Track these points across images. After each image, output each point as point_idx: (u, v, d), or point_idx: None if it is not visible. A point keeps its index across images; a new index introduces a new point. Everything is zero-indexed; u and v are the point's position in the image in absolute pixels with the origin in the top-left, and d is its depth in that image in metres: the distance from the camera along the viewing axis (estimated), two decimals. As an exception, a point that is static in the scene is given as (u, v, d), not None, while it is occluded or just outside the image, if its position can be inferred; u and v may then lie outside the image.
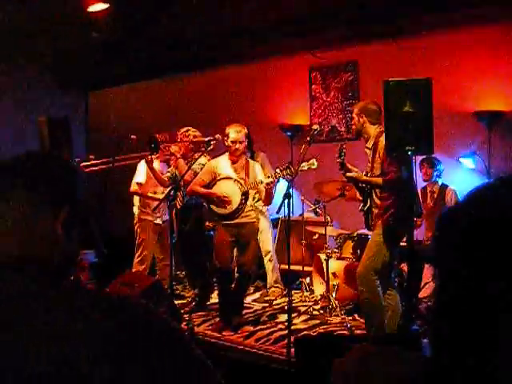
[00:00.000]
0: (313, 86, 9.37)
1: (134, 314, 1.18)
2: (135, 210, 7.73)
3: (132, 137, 7.18)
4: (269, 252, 7.86)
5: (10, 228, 1.23)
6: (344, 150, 5.49)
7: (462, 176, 7.60)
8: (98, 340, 1.07)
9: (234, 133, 6.32)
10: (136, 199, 7.72)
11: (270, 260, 7.87)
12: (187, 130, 7.18)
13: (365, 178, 5.53)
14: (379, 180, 5.35)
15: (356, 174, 5.56)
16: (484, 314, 0.78)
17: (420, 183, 7.26)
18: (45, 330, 1.08)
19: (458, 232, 0.84)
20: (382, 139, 5.33)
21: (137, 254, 7.50)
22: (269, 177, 6.28)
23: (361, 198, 5.64)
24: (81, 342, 1.06)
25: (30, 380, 1.03)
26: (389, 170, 5.26)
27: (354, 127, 5.77)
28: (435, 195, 7.28)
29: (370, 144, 5.53)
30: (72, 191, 1.36)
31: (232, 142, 6.32)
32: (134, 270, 7.35)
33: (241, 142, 6.35)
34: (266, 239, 7.87)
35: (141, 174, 7.45)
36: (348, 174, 5.52)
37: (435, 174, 7.26)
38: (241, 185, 6.37)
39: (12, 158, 1.34)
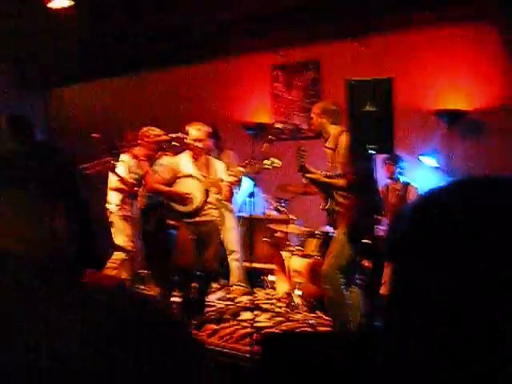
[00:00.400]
0: (275, 85, 9.39)
1: (132, 307, 1.16)
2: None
3: (94, 136, 7.12)
4: (233, 251, 7.87)
5: (7, 224, 1.21)
6: (303, 153, 5.52)
7: (422, 174, 7.70)
8: (90, 334, 1.06)
9: (195, 131, 6.33)
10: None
11: (234, 259, 7.86)
12: (148, 130, 7.11)
13: (324, 179, 5.58)
14: (339, 181, 5.40)
15: (316, 175, 5.60)
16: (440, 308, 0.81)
17: (383, 180, 7.35)
18: (38, 324, 1.07)
19: (422, 226, 0.86)
20: (342, 138, 5.38)
21: None
22: (230, 175, 6.30)
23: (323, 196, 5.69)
24: (72, 337, 1.06)
25: (29, 374, 1.02)
26: (348, 170, 5.32)
27: (313, 127, 5.80)
28: (398, 192, 7.37)
29: (330, 144, 5.57)
30: (70, 186, 1.33)
31: (193, 140, 6.32)
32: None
33: (201, 141, 6.34)
34: (232, 237, 7.87)
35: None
36: (308, 175, 5.55)
37: (398, 171, 7.35)
38: (202, 183, 6.37)
39: (8, 151, 1.31)
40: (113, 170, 6.99)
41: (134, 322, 1.11)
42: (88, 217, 1.32)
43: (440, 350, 0.80)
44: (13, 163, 1.27)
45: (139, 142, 7.09)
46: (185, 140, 6.43)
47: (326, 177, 5.57)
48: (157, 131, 7.10)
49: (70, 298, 1.12)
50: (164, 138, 6.90)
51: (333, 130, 5.58)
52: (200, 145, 6.35)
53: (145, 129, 7.12)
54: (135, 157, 7.04)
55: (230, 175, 6.37)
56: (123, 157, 7.07)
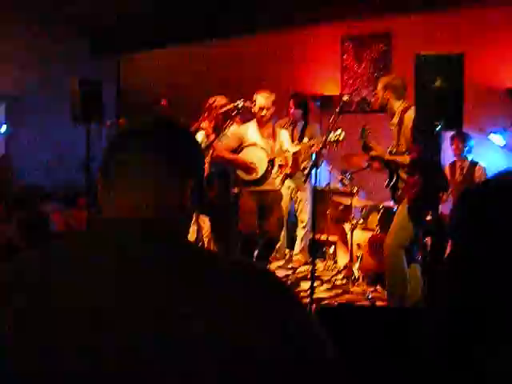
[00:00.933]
0: (344, 56, 9.31)
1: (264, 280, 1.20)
2: None
3: (162, 102, 7.20)
4: (303, 221, 7.92)
5: (147, 190, 1.26)
6: (366, 132, 5.48)
7: (490, 153, 7.55)
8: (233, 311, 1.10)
9: (262, 99, 6.34)
10: None
11: (303, 227, 7.92)
12: (214, 101, 7.12)
13: (388, 156, 5.54)
14: (404, 158, 5.37)
15: (380, 152, 5.56)
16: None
17: (450, 157, 7.25)
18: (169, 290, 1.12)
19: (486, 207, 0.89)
20: (408, 115, 5.33)
21: None
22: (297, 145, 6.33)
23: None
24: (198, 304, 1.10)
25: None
26: (414, 147, 5.27)
27: (378, 101, 5.75)
28: (464, 171, 7.26)
29: (395, 120, 5.52)
30: (199, 164, 1.39)
31: (260, 108, 6.34)
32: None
33: (268, 109, 6.37)
34: (304, 209, 7.92)
35: None
36: (372, 153, 5.52)
37: (466, 149, 7.22)
38: (268, 152, 6.41)
39: (141, 123, 1.36)
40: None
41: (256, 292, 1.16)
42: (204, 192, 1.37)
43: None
44: (149, 136, 1.32)
45: (206, 113, 7.12)
46: (252, 108, 6.45)
47: (390, 154, 5.54)
48: (223, 101, 7.11)
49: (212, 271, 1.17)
50: (230, 106, 6.91)
51: (398, 105, 5.53)
52: (267, 113, 6.38)
53: (211, 100, 7.13)
54: (202, 129, 7.06)
55: (296, 146, 6.42)
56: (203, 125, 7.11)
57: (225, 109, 6.97)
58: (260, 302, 1.13)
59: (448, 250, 6.40)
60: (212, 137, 6.74)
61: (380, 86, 5.67)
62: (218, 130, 6.95)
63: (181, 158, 1.31)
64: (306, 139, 6.73)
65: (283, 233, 7.94)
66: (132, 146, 1.29)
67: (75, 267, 1.17)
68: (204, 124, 7.03)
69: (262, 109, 6.34)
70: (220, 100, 7.07)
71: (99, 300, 1.12)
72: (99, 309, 1.10)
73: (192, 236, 7.48)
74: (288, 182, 7.65)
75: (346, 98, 5.85)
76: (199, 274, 1.14)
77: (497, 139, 7.50)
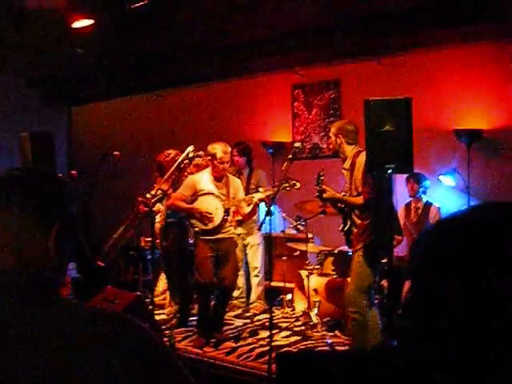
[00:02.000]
0: (295, 104, 9.43)
1: (132, 336, 1.20)
2: None
3: (115, 153, 7.18)
4: (256, 268, 7.90)
5: (4, 243, 1.25)
6: (322, 178, 5.52)
7: (441, 194, 7.67)
8: (97, 364, 1.09)
9: (223, 153, 6.35)
10: None
11: (256, 275, 7.90)
12: (165, 154, 7.18)
13: (342, 197, 5.59)
14: (356, 200, 5.41)
15: (333, 193, 5.59)
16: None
17: (405, 198, 7.34)
18: (31, 342, 1.10)
19: (445, 245, 0.90)
20: (359, 160, 5.40)
21: None
22: (255, 192, 6.36)
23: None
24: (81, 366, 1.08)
25: None
26: (364, 190, 5.33)
27: (330, 147, 5.81)
28: (419, 211, 7.35)
29: (347, 165, 5.57)
30: (64, 207, 1.37)
31: (220, 162, 6.36)
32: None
33: (227, 162, 6.41)
34: (255, 254, 7.92)
35: None
36: (325, 195, 5.54)
37: (421, 190, 7.32)
38: (223, 201, 6.41)
39: (2, 174, 1.35)
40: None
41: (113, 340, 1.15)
42: (80, 237, 1.35)
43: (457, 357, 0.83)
44: (7, 185, 1.31)
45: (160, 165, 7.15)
46: (205, 159, 6.48)
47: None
48: (172, 154, 7.14)
49: (53, 317, 1.16)
50: (182, 157, 6.93)
51: (350, 150, 5.59)
52: (227, 166, 6.43)
53: (163, 155, 7.18)
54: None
55: (248, 196, 6.47)
56: None
57: (178, 161, 6.98)
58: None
59: (404, 292, 6.44)
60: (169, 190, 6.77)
61: (332, 131, 5.72)
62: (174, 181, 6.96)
63: (40, 204, 1.30)
64: (261, 189, 6.77)
65: (242, 280, 7.93)
66: None
67: None
68: (164, 186, 6.99)
69: (222, 163, 6.36)
70: (170, 154, 7.12)
71: None
72: None
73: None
74: (238, 229, 7.67)
75: (297, 144, 5.89)
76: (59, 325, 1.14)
77: (447, 180, 7.62)
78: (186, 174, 6.99)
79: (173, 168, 6.57)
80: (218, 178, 6.48)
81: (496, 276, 0.82)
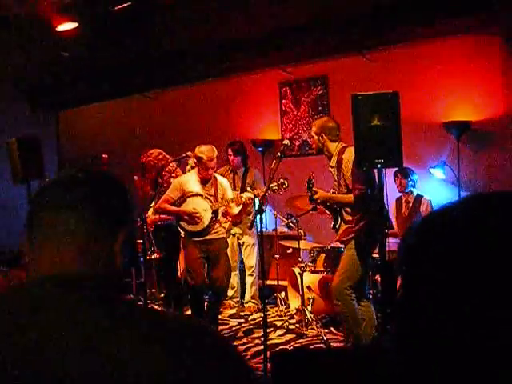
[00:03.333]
0: (283, 101, 9.42)
1: (202, 340, 1.16)
2: None
3: (103, 156, 7.15)
4: (251, 267, 7.90)
5: (72, 244, 1.23)
6: (312, 182, 5.51)
7: (432, 186, 7.69)
8: (165, 367, 1.07)
9: (208, 159, 6.32)
10: None
11: (250, 275, 7.90)
12: (148, 154, 7.17)
13: (332, 195, 5.59)
14: (348, 197, 5.40)
15: (323, 195, 5.57)
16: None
17: (395, 193, 7.34)
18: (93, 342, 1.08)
19: (436, 241, 0.89)
20: (346, 156, 5.40)
21: None
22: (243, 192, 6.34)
23: (331, 215, 5.69)
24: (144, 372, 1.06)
25: None
26: (354, 186, 5.33)
27: (314, 146, 5.80)
28: (410, 205, 7.36)
29: (333, 162, 5.56)
30: (130, 212, 1.36)
31: (204, 168, 6.34)
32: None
33: (212, 168, 6.40)
34: (250, 254, 7.92)
35: None
36: (316, 197, 5.52)
37: (410, 184, 7.33)
38: (211, 202, 6.39)
39: (72, 175, 1.34)
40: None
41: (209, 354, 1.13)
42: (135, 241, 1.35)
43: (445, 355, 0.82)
44: (72, 189, 1.29)
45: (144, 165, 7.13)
46: (192, 160, 6.47)
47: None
48: (154, 153, 7.13)
49: (143, 329, 1.13)
50: (169, 160, 6.95)
51: (334, 147, 5.58)
52: (213, 170, 6.44)
53: (145, 155, 7.17)
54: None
55: (237, 197, 6.47)
56: None
57: (161, 162, 6.97)
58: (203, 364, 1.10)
59: (398, 287, 6.44)
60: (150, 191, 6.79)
61: (314, 130, 5.70)
62: (156, 183, 6.96)
63: (109, 208, 1.29)
64: (249, 189, 6.76)
65: (237, 279, 7.93)
66: (52, 202, 1.27)
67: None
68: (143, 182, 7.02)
69: (209, 166, 6.34)
70: (153, 153, 7.11)
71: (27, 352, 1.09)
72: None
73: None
74: (233, 229, 7.69)
75: (286, 142, 5.87)
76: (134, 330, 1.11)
77: (437, 173, 7.63)
78: (174, 175, 6.97)
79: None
80: (204, 180, 6.45)
81: (483, 273, 0.81)
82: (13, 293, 1.24)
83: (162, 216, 6.87)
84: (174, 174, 7.03)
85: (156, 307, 8.08)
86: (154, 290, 8.30)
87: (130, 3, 6.82)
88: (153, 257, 6.87)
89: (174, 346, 1.10)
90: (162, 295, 7.84)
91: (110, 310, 1.15)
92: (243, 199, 6.49)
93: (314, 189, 5.49)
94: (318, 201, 5.56)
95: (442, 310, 0.83)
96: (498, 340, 0.79)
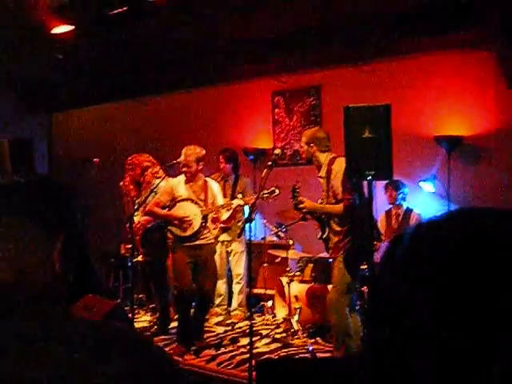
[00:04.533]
0: (276, 110, 9.43)
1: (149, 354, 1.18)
2: None
3: (95, 160, 7.15)
4: (238, 275, 7.88)
5: (6, 254, 1.20)
6: (297, 190, 5.52)
7: (422, 200, 7.70)
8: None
9: (183, 155, 6.33)
10: None
11: (237, 282, 7.88)
12: (133, 157, 7.24)
13: (319, 206, 5.60)
14: (337, 207, 5.42)
15: (310, 206, 5.58)
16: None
17: (385, 205, 7.36)
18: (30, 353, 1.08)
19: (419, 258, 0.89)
20: (335, 166, 5.42)
21: None
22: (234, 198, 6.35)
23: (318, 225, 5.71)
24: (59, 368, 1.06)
25: None
26: (345, 197, 5.34)
27: (303, 156, 5.82)
28: (400, 218, 7.37)
29: (322, 173, 5.58)
30: (69, 218, 1.32)
31: (182, 165, 6.34)
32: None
33: (189, 167, 6.35)
34: (238, 262, 7.90)
35: None
36: (302, 206, 5.54)
37: (400, 196, 7.34)
38: (201, 207, 6.37)
39: (8, 182, 1.31)
40: None
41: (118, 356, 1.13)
42: (85, 246, 1.31)
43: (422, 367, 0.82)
44: (12, 194, 1.26)
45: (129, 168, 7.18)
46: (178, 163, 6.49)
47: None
48: (144, 156, 7.18)
49: (61, 331, 1.14)
50: (155, 164, 6.99)
51: (323, 157, 5.60)
52: (188, 170, 6.39)
53: (137, 154, 7.21)
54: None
55: (227, 202, 6.48)
56: None
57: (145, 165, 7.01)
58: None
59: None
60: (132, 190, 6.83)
61: (304, 140, 5.73)
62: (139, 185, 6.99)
63: (44, 213, 1.26)
64: (240, 196, 6.76)
65: (225, 287, 7.91)
66: None
67: None
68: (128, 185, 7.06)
69: (183, 166, 6.33)
70: (140, 156, 7.16)
71: None
72: None
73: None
74: (222, 236, 7.67)
75: (278, 151, 5.88)
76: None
77: (427, 186, 7.65)
78: (159, 175, 7.01)
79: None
80: (192, 182, 6.43)
81: (466, 289, 0.81)
82: None
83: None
84: (157, 175, 7.06)
85: (142, 312, 8.09)
86: (141, 296, 8.28)
87: (125, 7, 6.80)
88: (137, 259, 6.87)
89: (101, 352, 1.11)
90: (152, 306, 7.81)
91: (40, 323, 1.14)
92: (233, 206, 6.49)
93: (300, 198, 5.50)
94: (304, 210, 5.57)
95: (418, 325, 0.84)
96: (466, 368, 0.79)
